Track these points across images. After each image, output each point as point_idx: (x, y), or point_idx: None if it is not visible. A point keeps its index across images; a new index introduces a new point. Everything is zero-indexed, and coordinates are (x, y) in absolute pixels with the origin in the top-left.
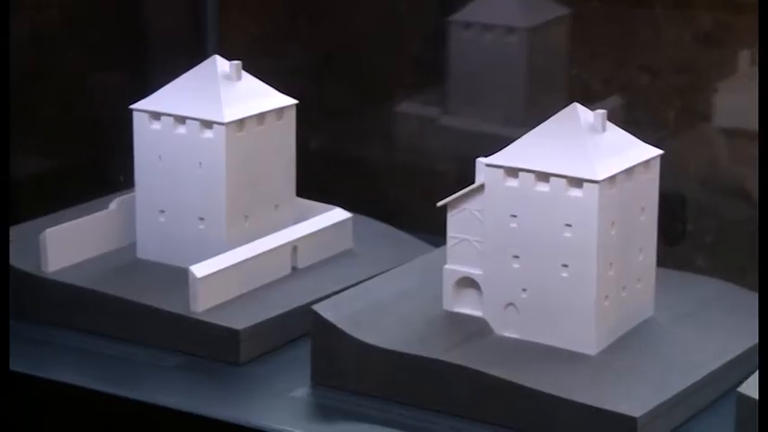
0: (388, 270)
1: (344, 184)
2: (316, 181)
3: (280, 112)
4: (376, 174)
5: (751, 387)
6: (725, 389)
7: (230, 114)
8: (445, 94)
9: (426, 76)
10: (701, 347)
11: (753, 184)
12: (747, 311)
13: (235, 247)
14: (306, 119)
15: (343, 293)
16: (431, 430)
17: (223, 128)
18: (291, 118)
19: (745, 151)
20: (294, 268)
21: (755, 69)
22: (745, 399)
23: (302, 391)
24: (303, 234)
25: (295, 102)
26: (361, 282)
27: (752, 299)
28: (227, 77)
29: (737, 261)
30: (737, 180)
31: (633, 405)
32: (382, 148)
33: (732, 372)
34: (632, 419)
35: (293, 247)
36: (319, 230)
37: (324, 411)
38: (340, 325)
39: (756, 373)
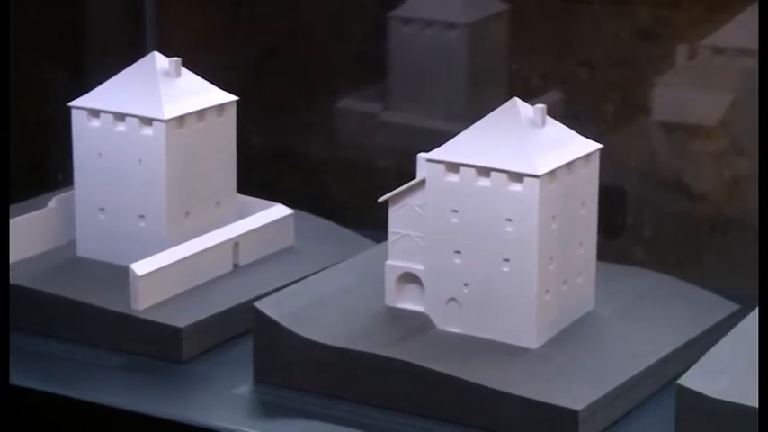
0: (329, 266)
1: (286, 180)
2: (257, 177)
3: (220, 108)
4: (318, 170)
5: (690, 379)
6: (665, 381)
7: (170, 111)
8: (386, 90)
9: (367, 72)
10: (640, 340)
11: (691, 177)
12: (686, 304)
13: (176, 245)
14: (247, 115)
15: (284, 290)
16: (373, 426)
17: (163, 125)
18: (232, 114)
19: (684, 145)
20: (236, 265)
21: (693, 63)
22: (684, 390)
23: (245, 389)
24: (244, 231)
25: (235, 98)
26: (302, 278)
27: (690, 291)
28: (167, 74)
29: (676, 254)
30: (676, 174)
31: (574, 398)
32: (324, 145)
33: (671, 364)
34: (573, 413)
35: (235, 243)
36: (261, 227)
37: (266, 408)
38: (282, 321)
39: (697, 364)
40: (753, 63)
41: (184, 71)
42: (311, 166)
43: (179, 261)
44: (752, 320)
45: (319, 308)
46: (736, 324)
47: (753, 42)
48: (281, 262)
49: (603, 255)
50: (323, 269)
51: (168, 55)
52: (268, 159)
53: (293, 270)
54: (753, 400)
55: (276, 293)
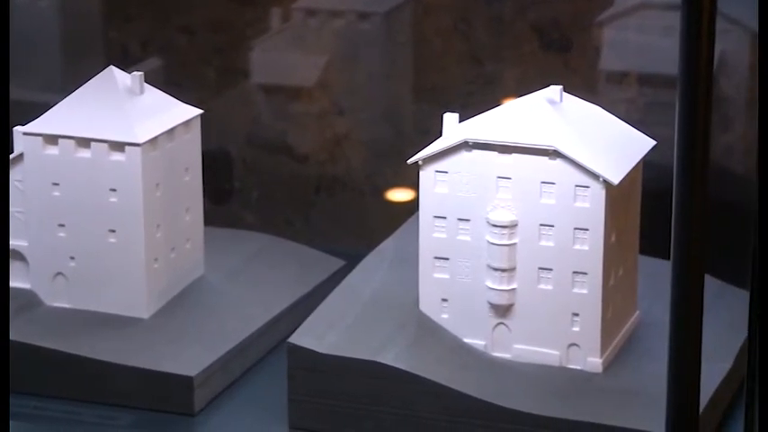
0: None
1: None
2: None
3: None
4: None
5: (300, 336)
6: (277, 340)
7: None
8: None
9: None
10: (252, 302)
11: (294, 138)
12: (295, 263)
13: None
14: None
15: None
16: None
17: None
18: None
19: (284, 107)
20: None
21: (288, 26)
22: (294, 348)
23: None
24: None
25: None
26: None
27: (298, 250)
28: None
29: (284, 215)
30: (279, 135)
31: (188, 365)
32: None
33: (283, 323)
34: (188, 379)
35: None
36: None
37: None
38: None
39: (306, 321)
40: (343, 24)
41: None
42: None
43: None
44: (356, 276)
45: None
46: (342, 280)
47: (343, 4)
48: None
49: (212, 220)
50: None
51: None
52: None
53: None
54: (360, 353)
55: None
